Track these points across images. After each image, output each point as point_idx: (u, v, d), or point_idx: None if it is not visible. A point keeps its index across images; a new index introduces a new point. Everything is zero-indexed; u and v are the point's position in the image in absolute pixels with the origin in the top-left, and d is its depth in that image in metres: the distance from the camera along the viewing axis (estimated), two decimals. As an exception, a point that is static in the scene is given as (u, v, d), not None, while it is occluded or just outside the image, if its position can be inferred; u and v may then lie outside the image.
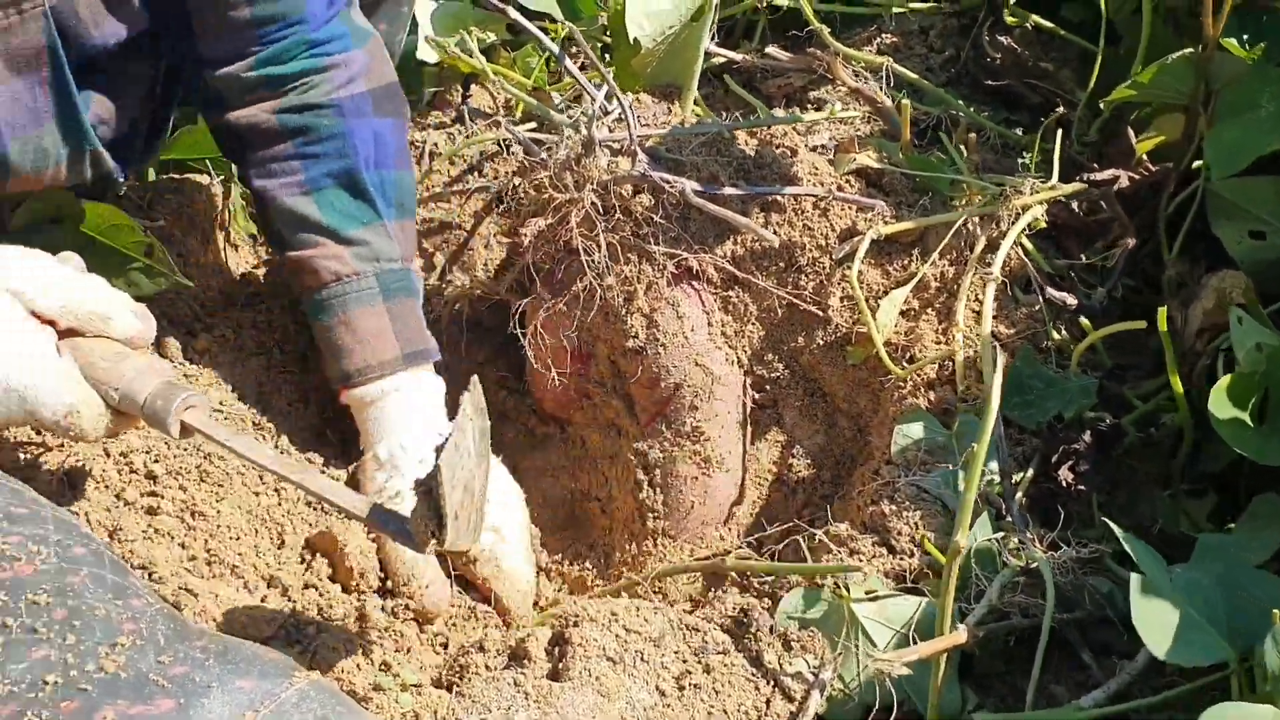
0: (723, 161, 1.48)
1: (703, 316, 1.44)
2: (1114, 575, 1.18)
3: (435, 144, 1.72)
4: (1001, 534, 1.18)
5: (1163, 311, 1.20)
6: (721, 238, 1.44)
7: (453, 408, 1.15)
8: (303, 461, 1.38)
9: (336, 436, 1.47)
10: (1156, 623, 0.98)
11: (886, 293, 1.42)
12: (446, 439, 0.97)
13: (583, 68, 1.70)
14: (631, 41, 1.62)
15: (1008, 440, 1.29)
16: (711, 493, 1.43)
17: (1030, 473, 1.27)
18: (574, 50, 1.82)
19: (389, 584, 1.27)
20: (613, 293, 1.41)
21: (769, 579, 1.22)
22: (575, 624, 1.08)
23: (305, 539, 1.31)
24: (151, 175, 1.61)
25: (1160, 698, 1.05)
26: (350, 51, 1.37)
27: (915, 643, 1.08)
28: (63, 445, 1.26)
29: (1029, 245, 1.45)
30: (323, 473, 1.37)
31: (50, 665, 0.84)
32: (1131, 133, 1.54)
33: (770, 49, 1.80)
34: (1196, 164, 1.47)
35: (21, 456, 1.24)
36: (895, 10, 1.91)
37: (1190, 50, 1.41)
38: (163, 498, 1.23)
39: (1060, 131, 1.56)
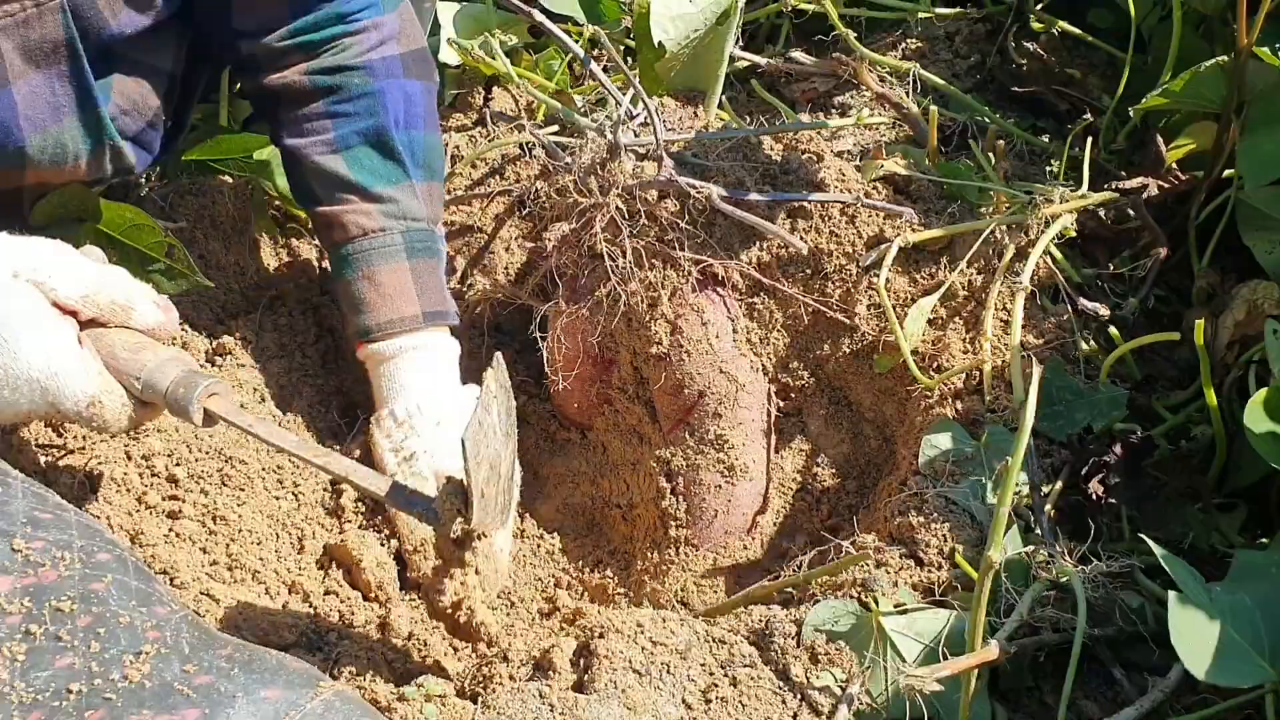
0: (749, 167, 1.46)
1: (727, 323, 1.42)
2: (1145, 590, 1.16)
3: (457, 147, 1.72)
4: (1031, 547, 1.17)
5: (1200, 324, 1.18)
6: (747, 244, 1.43)
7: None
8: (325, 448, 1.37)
9: (368, 456, 1.46)
10: (1196, 642, 0.96)
11: (914, 301, 1.41)
12: (472, 414, 0.95)
13: (605, 71, 1.69)
14: (656, 45, 1.60)
15: (1036, 452, 1.27)
16: (735, 501, 1.41)
17: (1059, 485, 1.25)
18: (597, 53, 1.82)
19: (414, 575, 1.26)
20: (637, 298, 1.40)
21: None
22: (601, 635, 1.07)
23: (324, 545, 1.30)
24: (174, 176, 1.60)
25: (1194, 716, 1.03)
26: (381, 15, 1.39)
27: (945, 657, 1.06)
28: (83, 448, 1.25)
29: (1057, 254, 1.43)
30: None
31: (74, 674, 0.84)
32: (1161, 141, 1.52)
33: (794, 53, 1.79)
34: (1227, 173, 1.46)
35: (42, 459, 1.23)
36: (920, 15, 1.90)
37: (1223, 58, 1.39)
38: (184, 502, 1.22)
39: (1088, 139, 1.55)
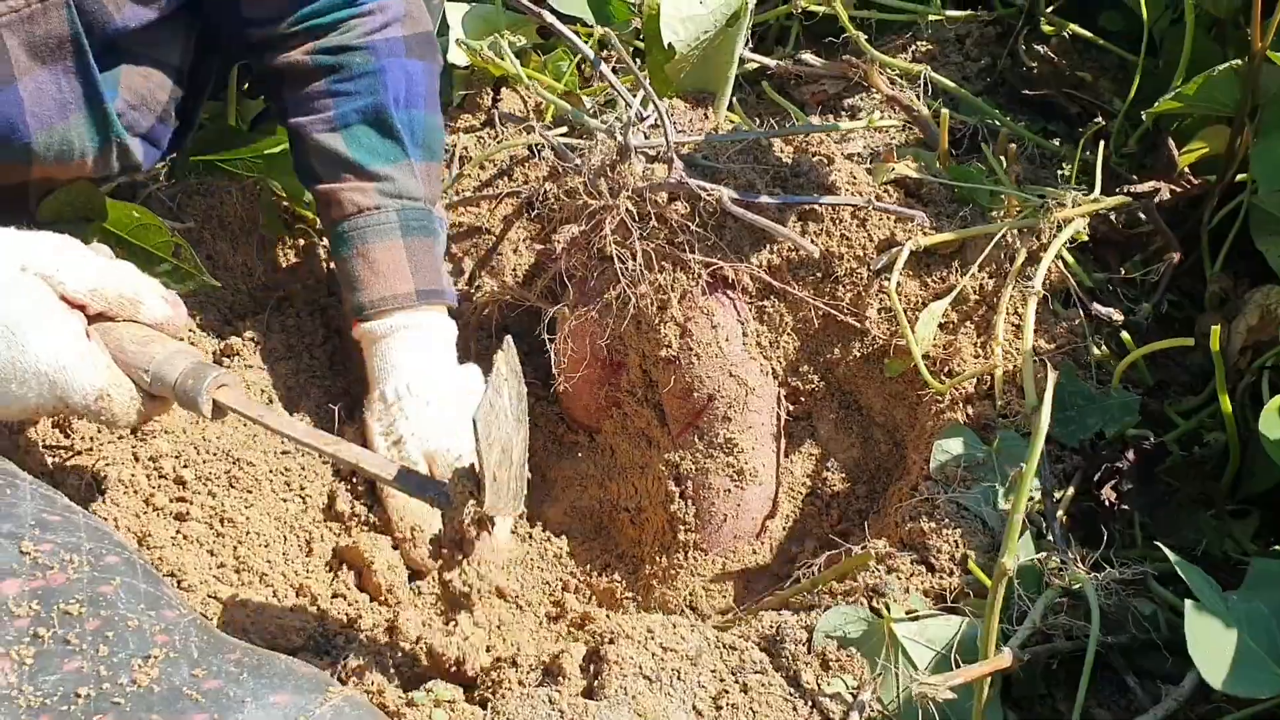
0: (760, 169, 1.46)
1: (737, 326, 1.41)
2: (1158, 597, 1.15)
3: (465, 148, 1.71)
4: (1044, 553, 1.16)
5: (1216, 329, 1.17)
6: (757, 246, 1.42)
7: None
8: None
9: (363, 441, 1.45)
10: (1213, 651, 0.95)
11: (925, 305, 1.40)
12: (482, 396, 0.93)
13: (614, 72, 1.68)
14: (666, 47, 1.60)
15: (1048, 457, 1.27)
16: (744, 505, 1.41)
17: (1071, 491, 1.25)
18: (606, 54, 1.81)
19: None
20: (646, 301, 1.39)
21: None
22: (611, 641, 1.06)
23: (333, 548, 1.30)
24: (182, 176, 1.60)
25: (1208, 725, 1.02)
26: None
27: (957, 664, 1.06)
28: (91, 449, 1.24)
29: (1069, 259, 1.43)
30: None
31: (83, 677, 0.83)
32: (1173, 144, 1.51)
33: (804, 55, 1.78)
34: (1240, 177, 1.45)
35: (49, 460, 1.23)
36: (931, 18, 1.89)
37: (1236, 62, 1.39)
38: (192, 504, 1.22)
39: (1100, 142, 1.54)
